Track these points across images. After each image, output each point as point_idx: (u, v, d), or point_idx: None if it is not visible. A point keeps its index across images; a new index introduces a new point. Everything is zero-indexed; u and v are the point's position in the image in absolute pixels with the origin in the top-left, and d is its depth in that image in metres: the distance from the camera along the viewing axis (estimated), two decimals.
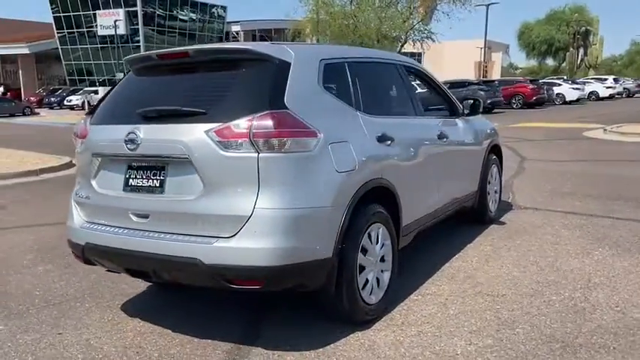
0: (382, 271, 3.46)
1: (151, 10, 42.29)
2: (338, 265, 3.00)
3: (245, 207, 2.70)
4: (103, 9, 41.15)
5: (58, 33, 44.83)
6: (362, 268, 3.21)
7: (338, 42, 23.55)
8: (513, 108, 28.92)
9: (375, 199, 3.37)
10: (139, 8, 40.05)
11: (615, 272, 4.08)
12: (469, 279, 4.04)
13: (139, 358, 2.99)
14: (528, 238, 5.01)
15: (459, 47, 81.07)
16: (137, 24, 40.74)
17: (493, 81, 30.13)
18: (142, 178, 2.98)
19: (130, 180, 3.03)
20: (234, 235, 2.71)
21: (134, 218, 2.98)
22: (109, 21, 39.66)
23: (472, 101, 4.97)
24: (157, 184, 2.93)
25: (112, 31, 39.32)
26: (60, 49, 45.10)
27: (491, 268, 4.24)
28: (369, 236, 3.27)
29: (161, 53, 3.23)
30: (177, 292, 3.90)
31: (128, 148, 2.95)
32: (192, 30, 45.18)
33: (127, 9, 40.20)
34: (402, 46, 24.10)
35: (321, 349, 3.01)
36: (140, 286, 4.02)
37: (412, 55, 65.16)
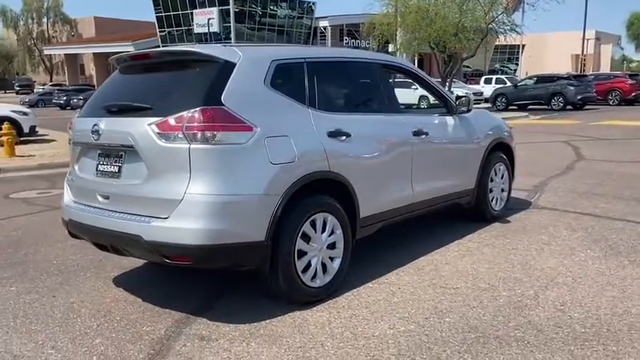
0: (331, 257, 3.70)
1: (244, 7, 44.05)
2: (272, 248, 3.30)
3: (178, 191, 3.09)
4: (200, 8, 43.48)
5: (159, 32, 47.92)
6: (303, 253, 3.48)
7: (414, 36, 23.43)
8: (609, 104, 27.17)
9: (324, 190, 3.62)
10: (231, 7, 41.87)
11: (586, 273, 4.02)
12: (434, 272, 4.16)
13: (104, 319, 3.48)
14: (521, 238, 4.99)
15: (562, 39, 76.53)
16: (229, 22, 42.60)
17: (585, 75, 28.39)
18: (107, 164, 3.46)
19: (99, 165, 3.52)
20: (169, 217, 3.10)
21: (100, 199, 3.47)
22: (204, 20, 41.88)
23: (465, 98, 5.01)
24: (117, 170, 3.40)
25: (206, 29, 41.47)
26: (161, 47, 48.32)
27: (462, 263, 4.33)
28: (313, 224, 3.53)
29: (131, 54, 3.70)
30: (165, 269, 4.37)
31: (93, 138, 3.45)
32: (281, 26, 46.54)
33: (220, 7, 42.18)
34: (482, 39, 23.35)
35: (255, 323, 3.33)
36: (138, 262, 4.53)
37: (510, 47, 62.78)
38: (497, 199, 5.59)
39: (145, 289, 4.00)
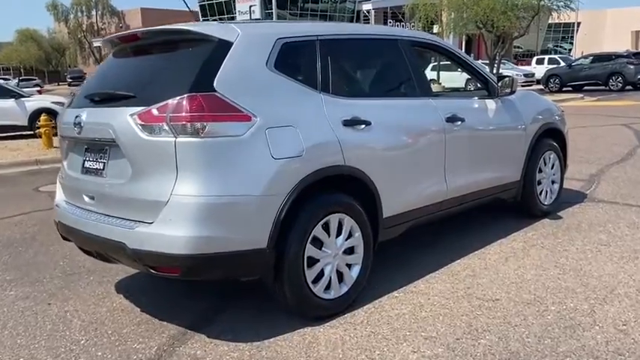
0: (349, 265, 3.22)
1: None
2: (276, 256, 2.85)
3: (163, 192, 2.67)
4: None
5: (203, 20, 48.19)
6: (314, 261, 3.02)
7: (460, 16, 22.41)
8: None
9: (339, 188, 3.15)
10: None
11: None
12: (470, 278, 3.62)
13: (94, 333, 3.13)
14: (575, 237, 4.36)
15: (622, 15, 72.54)
16: (272, 8, 42.20)
17: None
18: (92, 160, 3.08)
19: (85, 162, 3.14)
20: (154, 222, 2.69)
21: (86, 199, 3.10)
22: (246, 7, 41.66)
23: (509, 78, 4.39)
24: (101, 167, 3.01)
25: (248, 17, 41.24)
26: None
27: (504, 269, 3.76)
28: (326, 227, 3.06)
29: (119, 35, 3.29)
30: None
31: (75, 131, 3.06)
32: (324, 11, 45.83)
33: None
34: (533, 17, 22.11)
35: (257, 342, 2.90)
36: None
37: (565, 26, 59.90)
38: (546, 191, 4.95)
39: (145, 296, 3.64)
